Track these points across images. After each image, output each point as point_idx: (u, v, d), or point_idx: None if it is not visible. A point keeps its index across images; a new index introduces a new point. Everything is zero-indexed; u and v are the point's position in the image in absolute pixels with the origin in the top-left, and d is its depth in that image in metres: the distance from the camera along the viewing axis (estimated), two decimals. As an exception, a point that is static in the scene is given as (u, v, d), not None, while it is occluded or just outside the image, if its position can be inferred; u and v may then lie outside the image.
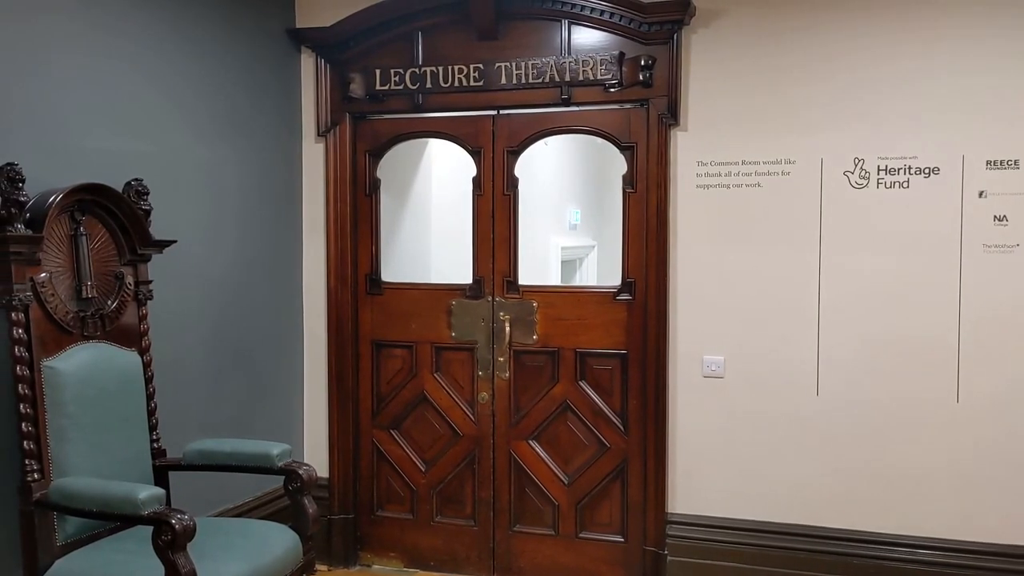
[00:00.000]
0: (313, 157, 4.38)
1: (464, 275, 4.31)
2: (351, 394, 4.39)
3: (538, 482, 4.20)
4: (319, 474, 4.32)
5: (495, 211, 4.21)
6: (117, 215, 3.17)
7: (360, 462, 4.43)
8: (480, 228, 4.24)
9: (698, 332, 3.94)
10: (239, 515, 3.72)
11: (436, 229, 5.31)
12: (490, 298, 4.22)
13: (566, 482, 4.17)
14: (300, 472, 3.15)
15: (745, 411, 3.89)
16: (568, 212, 7.62)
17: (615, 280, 4.12)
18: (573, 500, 4.16)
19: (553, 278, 7.02)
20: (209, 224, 3.83)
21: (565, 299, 4.17)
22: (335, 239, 4.35)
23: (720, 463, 3.93)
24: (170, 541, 2.52)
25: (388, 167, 4.51)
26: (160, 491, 2.63)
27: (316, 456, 4.42)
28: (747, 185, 3.85)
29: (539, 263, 6.96)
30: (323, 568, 4.38)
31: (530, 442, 4.21)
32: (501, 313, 4.20)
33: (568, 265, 7.49)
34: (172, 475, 3.29)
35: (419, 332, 4.32)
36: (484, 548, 4.28)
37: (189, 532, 2.55)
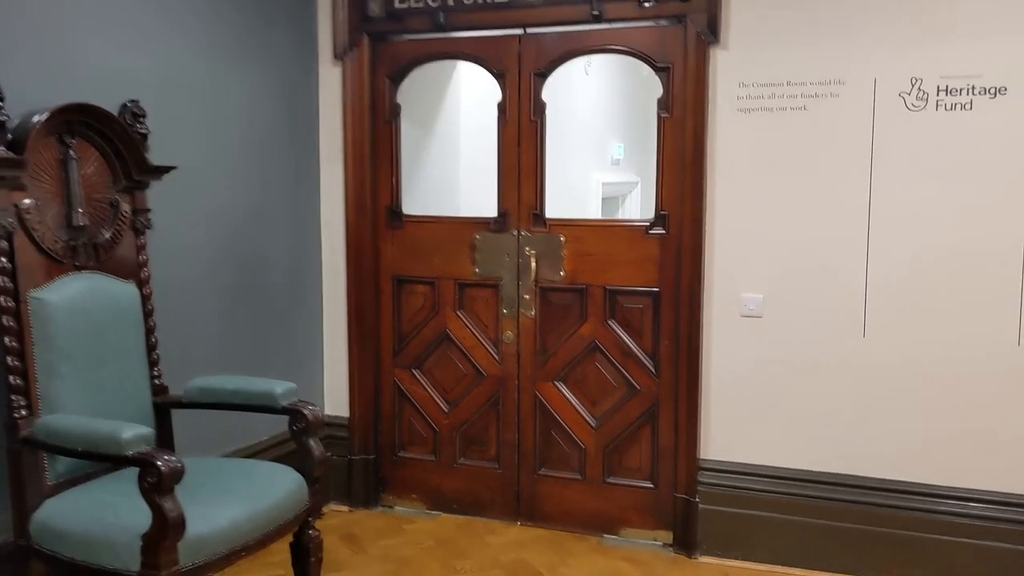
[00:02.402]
0: (329, 81, 4.15)
1: (490, 208, 4.07)
2: (372, 331, 4.22)
3: (565, 425, 4.01)
4: (339, 413, 4.24)
5: (521, 139, 3.95)
6: (111, 139, 2.99)
7: (382, 402, 4.27)
8: (505, 157, 3.99)
9: (736, 269, 3.67)
10: (247, 457, 3.59)
11: (465, 161, 5.06)
12: (515, 232, 3.98)
13: (594, 425, 3.96)
14: (305, 412, 2.98)
15: (785, 353, 3.63)
16: (610, 146, 7.33)
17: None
18: (601, 444, 3.96)
19: (593, 215, 6.77)
20: (217, 151, 3.63)
21: (595, 233, 3.92)
22: (354, 169, 4.14)
23: (757, 408, 3.69)
24: (156, 483, 2.37)
25: (411, 93, 4.27)
26: (147, 430, 2.47)
27: (336, 395, 4.28)
28: (792, 108, 3.53)
29: (579, 199, 6.71)
30: (343, 508, 4.26)
31: (556, 384, 4.00)
32: (527, 248, 3.97)
33: (610, 202, 7.21)
34: (177, 414, 3.16)
35: (442, 268, 4.12)
36: (508, 492, 4.12)
37: (176, 474, 2.40)
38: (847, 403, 3.56)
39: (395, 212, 4.17)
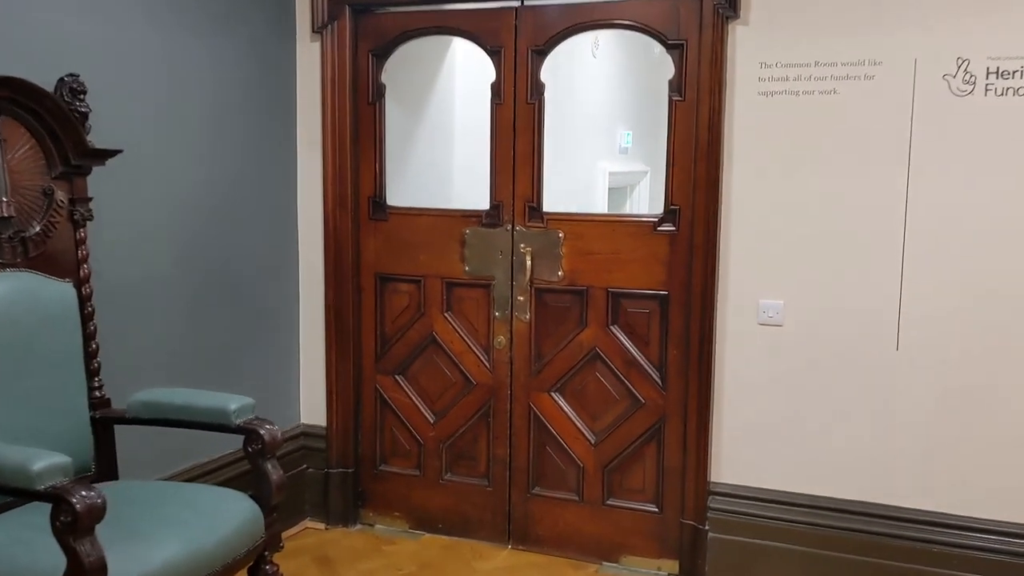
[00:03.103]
0: (308, 58, 3.76)
1: (483, 200, 3.69)
2: (352, 334, 3.84)
3: (561, 440, 3.63)
4: (316, 422, 3.89)
5: (516, 123, 3.57)
6: (44, 118, 2.62)
7: (362, 411, 3.91)
8: (499, 144, 3.61)
9: (754, 271, 3.28)
10: (197, 478, 3.23)
11: (461, 149, 4.67)
12: (509, 227, 3.60)
13: (593, 441, 3.59)
14: (261, 432, 2.62)
15: (807, 366, 3.25)
16: (618, 134, 6.94)
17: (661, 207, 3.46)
18: (600, 462, 3.59)
19: (599, 206, 6.39)
20: (176, 135, 3.26)
21: (597, 229, 3.53)
22: (333, 155, 3.76)
23: (775, 427, 3.31)
24: (70, 524, 2.01)
25: (399, 72, 3.89)
26: (63, 460, 2.11)
27: (312, 403, 3.92)
28: (820, 92, 3.14)
29: (583, 190, 6.34)
30: (319, 526, 3.91)
31: (552, 394, 3.63)
32: (522, 245, 3.59)
33: (617, 193, 6.82)
34: (125, 430, 2.80)
35: (428, 265, 3.74)
36: (499, 511, 3.75)
37: (95, 513, 2.03)
38: (877, 425, 3.18)
39: (379, 203, 3.79)
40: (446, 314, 3.74)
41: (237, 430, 2.64)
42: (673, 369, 3.45)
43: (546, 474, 3.68)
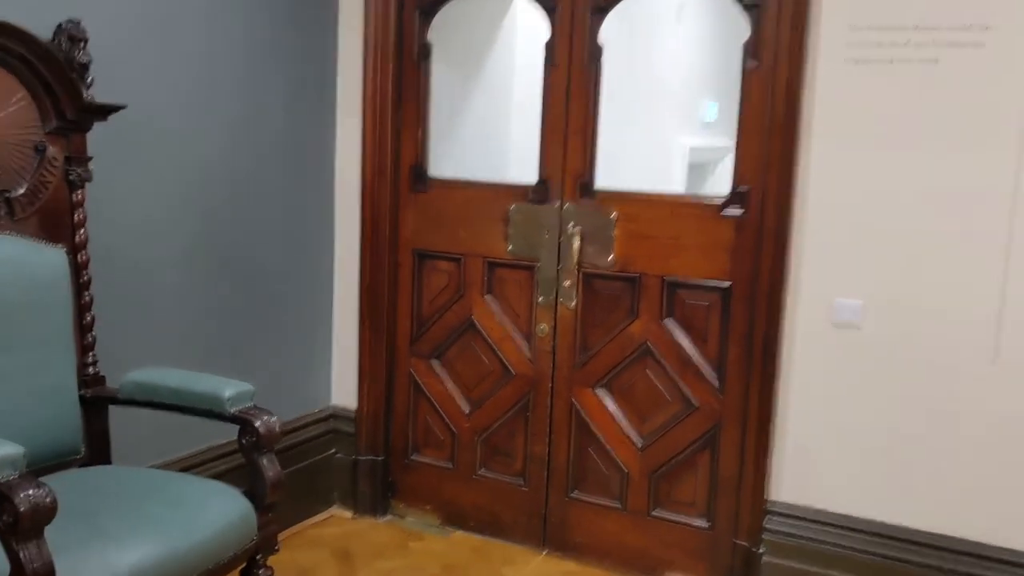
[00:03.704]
0: (349, 13, 3.47)
1: (531, 174, 3.36)
2: (386, 313, 3.57)
3: (604, 442, 3.30)
4: (347, 405, 3.64)
5: (571, 89, 3.22)
6: (38, 68, 2.39)
7: (395, 396, 3.64)
8: (551, 112, 3.27)
9: (831, 264, 2.88)
10: (196, 467, 3.00)
11: (519, 120, 4.32)
12: (558, 204, 3.27)
13: (639, 445, 3.25)
14: (256, 424, 2.36)
15: (888, 375, 2.84)
16: (702, 105, 6.49)
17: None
18: (647, 468, 3.25)
19: (676, 185, 5.98)
20: (195, 92, 3.00)
21: (654, 210, 3.16)
22: (373, 119, 3.47)
23: (847, 442, 2.91)
24: (12, 525, 1.78)
25: (452, 31, 3.57)
26: (15, 452, 1.86)
27: (344, 384, 3.67)
28: (920, 60, 2.70)
29: (660, 166, 5.94)
30: (346, 515, 3.68)
31: (597, 391, 3.29)
32: (571, 224, 3.25)
33: (697, 169, 6.38)
34: (124, 413, 2.57)
35: (469, 242, 3.43)
36: (534, 514, 3.45)
37: (41, 514, 1.79)
38: (965, 449, 2.76)
39: (420, 173, 3.49)
40: (486, 297, 3.44)
41: (231, 419, 2.40)
42: (733, 371, 3.07)
43: (587, 477, 3.35)
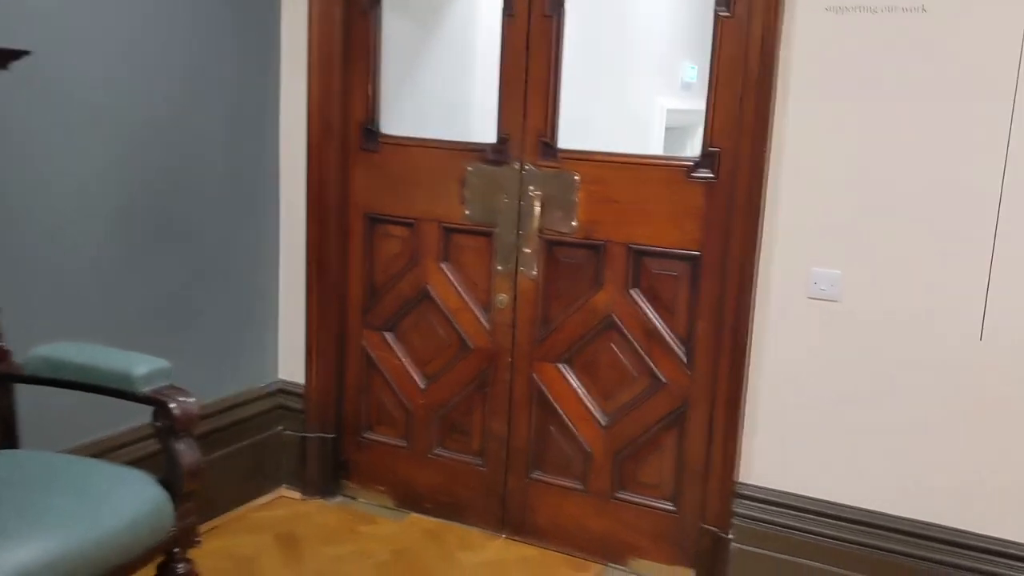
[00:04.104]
0: (292, -43, 3.21)
1: (489, 132, 3.13)
2: (336, 281, 3.35)
3: (566, 419, 3.10)
4: (294, 379, 3.43)
5: (530, 41, 2.98)
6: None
7: (346, 370, 3.43)
8: (508, 65, 3.03)
9: (807, 232, 2.67)
10: (114, 450, 2.77)
11: (484, 75, 4.07)
12: (517, 165, 3.04)
13: (604, 423, 3.05)
14: (171, 405, 2.14)
15: (866, 353, 2.64)
16: (682, 67, 6.25)
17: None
18: (611, 448, 3.05)
19: (655, 148, 5.77)
20: (127, 43, 2.74)
21: (620, 173, 2.93)
22: (320, 73, 3.22)
23: (821, 423, 2.72)
24: None
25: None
26: None
27: (291, 357, 3.45)
28: (905, 10, 2.47)
29: (637, 128, 5.73)
30: (295, 495, 3.47)
31: (559, 366, 3.09)
32: (531, 187, 3.02)
33: (676, 132, 6.15)
34: (29, 391, 2.34)
35: (423, 206, 3.20)
36: (493, 495, 3.25)
37: None
38: (950, 428, 2.57)
39: (371, 131, 3.25)
40: (442, 264, 3.21)
41: (144, 399, 2.17)
42: (702, 345, 2.87)
43: (548, 457, 3.16)
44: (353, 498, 3.48)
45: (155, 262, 2.95)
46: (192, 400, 2.18)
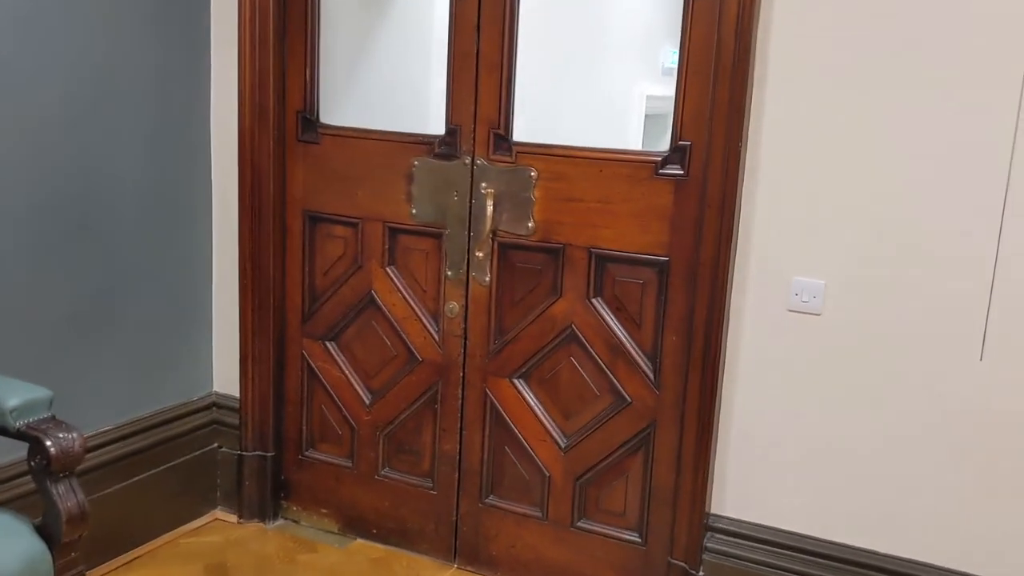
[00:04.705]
0: (221, -74, 2.90)
1: (438, 124, 2.82)
2: (273, 285, 3.05)
3: (523, 440, 2.81)
4: (230, 392, 3.14)
5: (482, 20, 2.67)
6: None
7: (286, 382, 3.13)
8: (458, 47, 2.73)
9: (787, 237, 2.38)
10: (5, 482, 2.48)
11: (441, 58, 3.76)
12: (468, 159, 2.74)
13: (563, 445, 2.77)
14: (47, 443, 1.85)
15: (852, 373, 2.36)
16: (662, 51, 5.95)
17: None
18: (572, 472, 2.77)
19: (633, 138, 5.48)
20: (36, 18, 2.43)
21: (582, 169, 2.64)
22: (252, 53, 2.90)
23: (801, 450, 2.44)
24: None
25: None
26: None
27: (226, 370, 3.15)
28: (900, -15, 2.18)
29: (614, 115, 5.44)
30: (231, 519, 3.18)
31: (515, 381, 2.80)
32: (483, 184, 2.72)
33: (656, 120, 5.84)
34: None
35: (368, 204, 2.90)
36: (444, 521, 2.97)
37: None
38: (948, 458, 2.29)
39: (309, 120, 2.94)
40: (388, 268, 2.91)
41: (16, 435, 1.88)
42: (670, 361, 2.58)
43: (503, 481, 2.87)
44: (295, 521, 3.19)
45: (71, 267, 2.65)
46: (74, 435, 1.89)
